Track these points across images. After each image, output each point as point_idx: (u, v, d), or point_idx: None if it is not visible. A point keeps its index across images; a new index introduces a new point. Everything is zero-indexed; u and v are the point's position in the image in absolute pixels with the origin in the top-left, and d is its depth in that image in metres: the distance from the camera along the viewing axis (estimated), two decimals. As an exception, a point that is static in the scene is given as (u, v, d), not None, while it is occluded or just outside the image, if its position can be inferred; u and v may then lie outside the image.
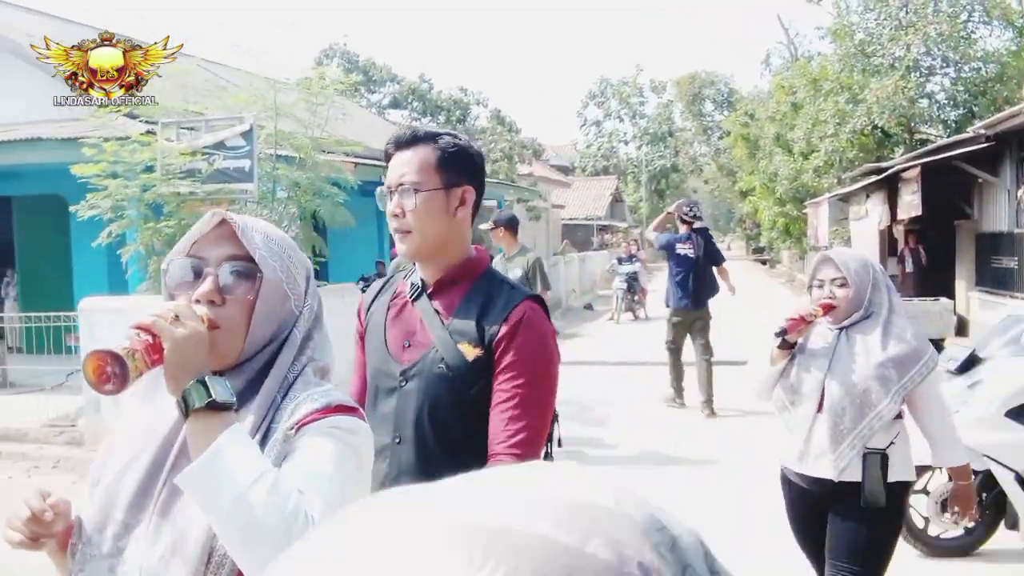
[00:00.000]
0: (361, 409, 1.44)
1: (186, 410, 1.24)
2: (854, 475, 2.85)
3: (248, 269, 1.37)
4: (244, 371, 1.39)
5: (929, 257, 15.60)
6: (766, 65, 37.68)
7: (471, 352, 1.94)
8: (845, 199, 22.07)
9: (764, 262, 47.89)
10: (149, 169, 7.98)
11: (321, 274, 10.01)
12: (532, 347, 1.95)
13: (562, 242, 31.85)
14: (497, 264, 7.03)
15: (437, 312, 2.01)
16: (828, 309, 2.92)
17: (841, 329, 2.95)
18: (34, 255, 12.88)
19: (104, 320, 7.63)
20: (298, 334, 1.43)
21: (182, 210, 7.99)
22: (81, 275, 11.19)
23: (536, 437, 1.93)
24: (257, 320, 1.38)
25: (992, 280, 13.29)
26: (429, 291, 2.04)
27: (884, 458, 2.84)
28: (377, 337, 2.09)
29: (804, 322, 2.92)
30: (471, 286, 2.02)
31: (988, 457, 4.11)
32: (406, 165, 1.97)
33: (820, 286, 2.97)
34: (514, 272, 6.62)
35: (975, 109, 21.21)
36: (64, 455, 7.50)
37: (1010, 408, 4.26)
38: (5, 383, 9.84)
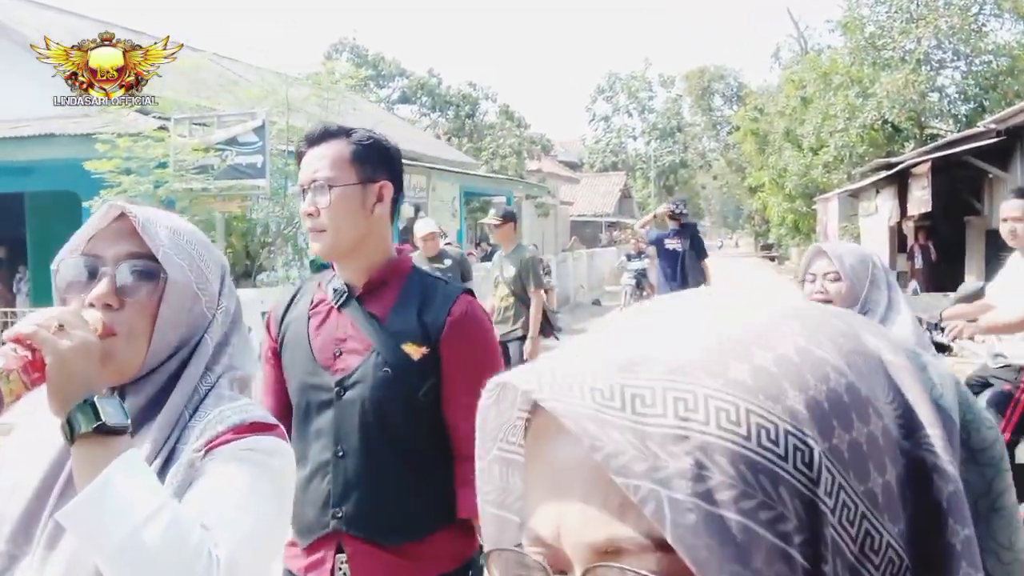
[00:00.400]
0: (282, 426, 1.29)
1: (72, 435, 1.07)
2: None
3: (151, 268, 1.21)
4: (147, 384, 1.22)
5: (939, 253, 15.59)
6: (776, 59, 37.59)
7: (416, 351, 1.85)
8: (855, 195, 22.02)
9: (773, 259, 47.78)
10: (162, 165, 8.04)
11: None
12: (481, 339, 1.93)
13: (571, 238, 31.89)
14: (497, 260, 6.97)
15: (372, 315, 1.90)
16: None
17: None
18: (47, 251, 12.90)
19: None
20: (210, 340, 1.26)
21: (194, 206, 8.04)
22: (93, 270, 11.28)
23: None
24: (162, 326, 1.20)
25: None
26: (358, 294, 1.92)
27: None
28: (299, 349, 1.94)
29: None
30: (402, 285, 1.94)
31: None
32: (319, 161, 1.87)
33: (812, 280, 2.84)
34: (508, 270, 6.60)
35: (986, 103, 21.15)
36: (77, 449, 7.57)
37: None
38: (18, 377, 9.92)
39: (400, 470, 1.87)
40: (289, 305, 2.03)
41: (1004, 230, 4.24)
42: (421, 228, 7.18)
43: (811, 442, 0.41)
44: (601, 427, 0.41)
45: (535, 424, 0.48)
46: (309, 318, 1.95)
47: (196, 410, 1.22)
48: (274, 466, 1.22)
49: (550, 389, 0.43)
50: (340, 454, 1.87)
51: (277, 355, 2.00)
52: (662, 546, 0.40)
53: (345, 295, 1.92)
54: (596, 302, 21.75)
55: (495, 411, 0.51)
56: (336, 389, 1.87)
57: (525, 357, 6.39)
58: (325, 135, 1.91)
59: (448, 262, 7.02)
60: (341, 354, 1.89)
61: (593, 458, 0.40)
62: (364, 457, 1.85)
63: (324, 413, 1.88)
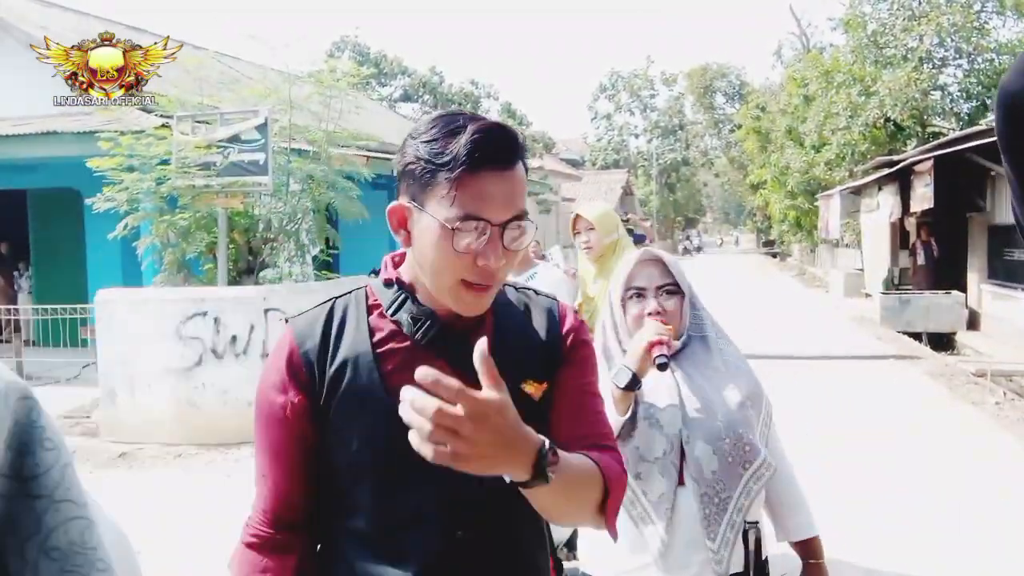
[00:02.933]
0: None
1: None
2: (738, 565, 2.04)
3: None
4: None
5: (941, 250, 15.57)
6: (778, 57, 37.59)
7: (537, 390, 1.41)
8: (857, 192, 22.01)
9: (775, 255, 47.78)
10: (164, 162, 8.05)
11: (333, 266, 10.07)
12: (593, 360, 1.53)
13: (572, 235, 31.85)
14: None
15: (470, 350, 1.25)
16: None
17: (666, 360, 2.02)
18: (48, 248, 12.99)
19: (121, 312, 7.71)
20: None
21: (197, 203, 8.05)
22: (95, 268, 11.29)
23: None
24: None
25: (1004, 273, 13.25)
26: (442, 322, 1.39)
27: (758, 532, 2.09)
28: (370, 405, 1.35)
29: (669, 347, 2.03)
30: (496, 302, 1.42)
31: None
32: (519, 185, 1.31)
33: (640, 295, 2.13)
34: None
35: (988, 102, 21.10)
36: (80, 445, 7.59)
37: None
38: (21, 375, 9.93)
39: (532, 542, 1.48)
40: (326, 340, 1.41)
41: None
42: None
43: None
44: None
45: None
46: (378, 359, 1.38)
47: None
48: None
49: None
50: (459, 538, 1.37)
51: (309, 413, 1.38)
52: None
53: (429, 326, 1.39)
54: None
55: None
56: None
57: None
58: (520, 149, 1.32)
59: None
60: None
61: None
62: (495, 539, 1.40)
63: (425, 491, 1.35)
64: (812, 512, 2.23)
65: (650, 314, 2.07)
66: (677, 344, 2.11)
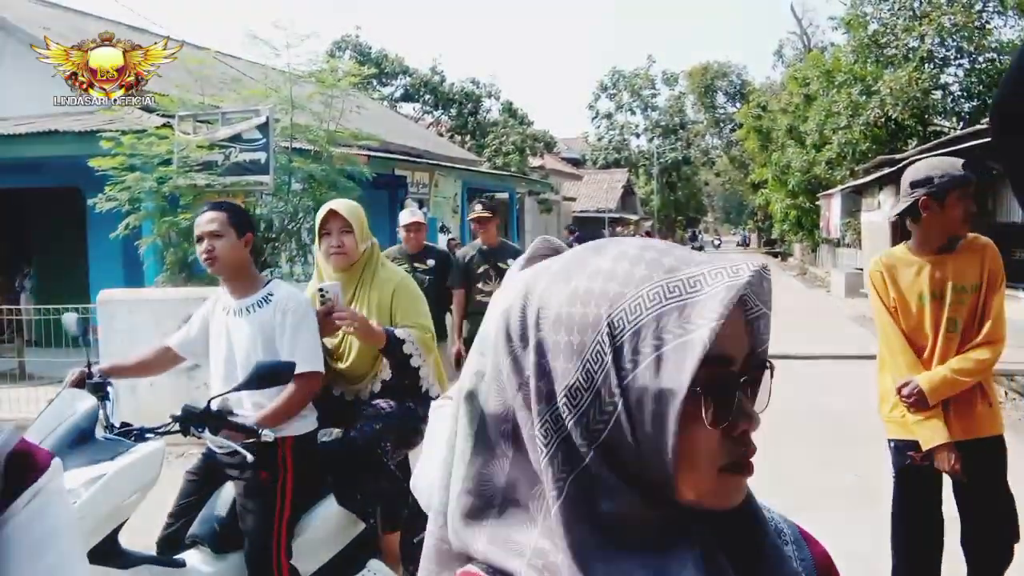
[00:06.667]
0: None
1: None
2: None
3: None
4: None
5: (942, 249, 15.57)
6: (779, 56, 37.59)
7: None
8: (858, 191, 22.01)
9: (776, 255, 47.78)
10: (166, 162, 8.05)
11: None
12: None
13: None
14: (478, 254, 6.40)
15: None
16: None
17: None
18: (50, 248, 13.00)
19: (122, 312, 7.71)
20: None
21: (198, 202, 8.05)
22: (97, 268, 11.30)
23: None
24: None
25: (1007, 273, 13.23)
26: None
27: None
28: None
29: None
30: None
31: None
32: None
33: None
34: (515, 266, 6.31)
35: (989, 101, 21.08)
36: (82, 445, 7.58)
37: (93, 547, 2.68)
38: (23, 375, 9.94)
39: None
40: None
41: (199, 248, 3.15)
42: (406, 217, 6.33)
43: None
44: None
45: None
46: None
47: None
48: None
49: None
50: None
51: None
52: None
53: None
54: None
55: None
56: None
57: None
58: None
59: (431, 262, 6.22)
60: None
61: None
62: None
63: None
64: None
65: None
66: None
